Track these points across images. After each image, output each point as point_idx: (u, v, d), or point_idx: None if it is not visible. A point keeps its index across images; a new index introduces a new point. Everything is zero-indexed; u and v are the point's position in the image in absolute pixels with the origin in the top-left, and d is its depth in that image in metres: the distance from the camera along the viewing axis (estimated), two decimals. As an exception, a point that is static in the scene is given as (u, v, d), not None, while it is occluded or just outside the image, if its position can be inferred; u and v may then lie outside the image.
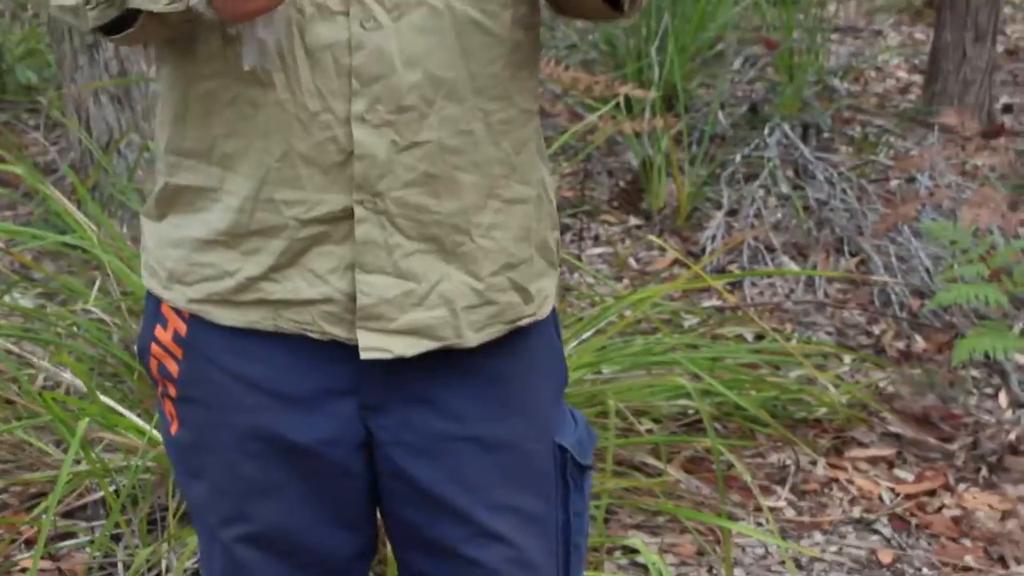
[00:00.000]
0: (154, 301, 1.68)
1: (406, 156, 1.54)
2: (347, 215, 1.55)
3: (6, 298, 3.55)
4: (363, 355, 1.57)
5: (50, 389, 3.20)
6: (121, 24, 1.47)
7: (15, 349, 3.30)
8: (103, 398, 2.95)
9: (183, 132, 1.60)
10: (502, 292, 1.63)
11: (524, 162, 1.63)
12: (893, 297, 4.19)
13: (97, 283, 3.42)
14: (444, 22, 1.52)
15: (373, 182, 1.54)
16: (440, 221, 1.57)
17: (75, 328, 3.37)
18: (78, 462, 2.81)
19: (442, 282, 1.59)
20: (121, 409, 2.95)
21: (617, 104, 4.76)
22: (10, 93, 5.84)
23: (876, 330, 4.10)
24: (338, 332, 1.58)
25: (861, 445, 3.50)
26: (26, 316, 3.46)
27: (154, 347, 1.68)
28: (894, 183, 5.01)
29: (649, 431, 3.29)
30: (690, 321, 3.98)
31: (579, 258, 4.40)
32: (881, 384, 3.77)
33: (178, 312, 1.65)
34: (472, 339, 1.61)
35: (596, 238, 4.69)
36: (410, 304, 1.58)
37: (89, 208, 3.54)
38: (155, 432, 2.78)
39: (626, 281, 4.32)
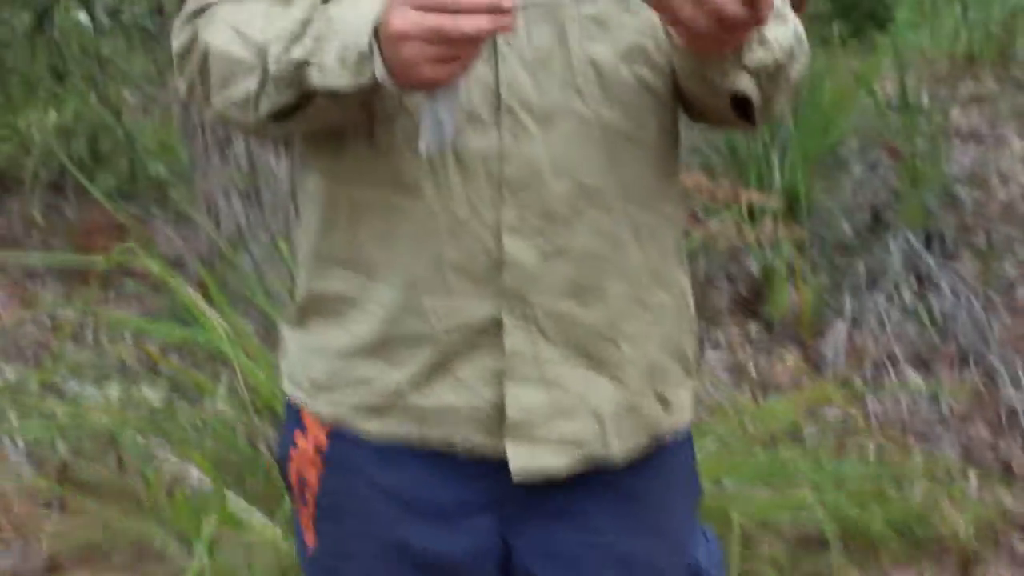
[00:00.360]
0: (295, 410, 1.68)
1: (555, 264, 1.54)
2: (495, 324, 1.55)
3: (134, 391, 3.59)
4: (515, 477, 1.57)
5: (176, 484, 3.23)
6: (289, 111, 1.49)
7: (143, 442, 3.34)
8: (229, 493, 2.97)
9: (329, 239, 1.61)
10: (647, 401, 1.62)
11: (668, 269, 1.64)
12: (1021, 413, 4.11)
13: (224, 379, 3.46)
14: (593, 131, 1.53)
15: (522, 291, 1.54)
16: (588, 330, 1.56)
17: (202, 424, 3.40)
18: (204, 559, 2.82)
19: (589, 391, 1.58)
20: (247, 508, 2.97)
21: (739, 209, 4.75)
22: (140, 186, 5.96)
23: (1004, 447, 4.02)
24: (484, 441, 1.57)
25: (990, 568, 3.42)
26: (153, 410, 3.50)
27: (295, 456, 1.68)
28: (1022, 294, 4.93)
29: (773, 550, 3.24)
30: (811, 430, 3.92)
31: (699, 365, 4.37)
32: (1009, 505, 3.69)
33: (320, 422, 1.65)
34: (618, 449, 1.60)
35: (716, 344, 4.65)
36: (558, 414, 1.57)
37: (217, 303, 3.58)
38: (280, 533, 2.79)
39: (747, 389, 4.28)
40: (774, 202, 4.90)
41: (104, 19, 6.88)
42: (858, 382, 4.35)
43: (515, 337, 1.55)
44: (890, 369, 4.39)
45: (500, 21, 1.32)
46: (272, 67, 1.45)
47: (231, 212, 4.45)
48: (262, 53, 1.46)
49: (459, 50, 1.34)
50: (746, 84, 1.50)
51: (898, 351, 4.46)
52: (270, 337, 3.22)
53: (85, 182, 4.65)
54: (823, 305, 4.80)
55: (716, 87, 1.51)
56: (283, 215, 4.22)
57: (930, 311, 4.69)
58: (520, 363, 1.55)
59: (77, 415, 3.36)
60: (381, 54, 1.37)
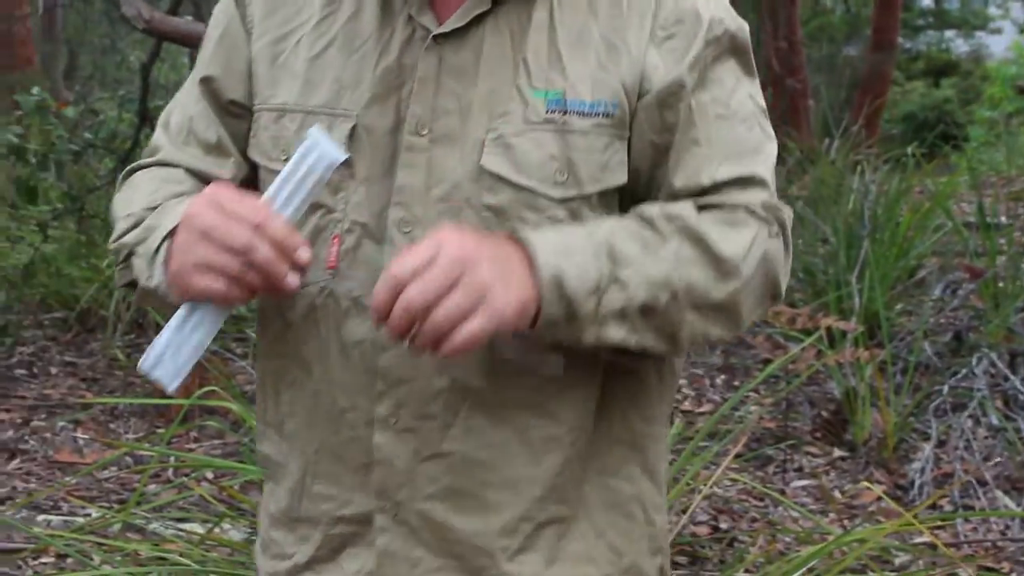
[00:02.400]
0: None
1: (429, 466, 1.44)
2: (369, 521, 1.48)
3: (216, 530, 3.59)
4: None
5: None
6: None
7: (224, 582, 3.33)
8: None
9: (264, 403, 1.59)
10: None
11: (569, 483, 1.48)
12: (1117, 536, 4.00)
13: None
14: None
15: (393, 490, 1.46)
16: (464, 539, 1.46)
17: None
18: None
19: None
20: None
21: (819, 334, 4.71)
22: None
23: (1101, 571, 3.91)
24: None
25: None
26: (234, 549, 3.49)
27: None
28: (1110, 414, 4.83)
29: None
30: (901, 558, 3.84)
31: (783, 492, 4.31)
32: (1109, 631, 3.58)
33: None
34: None
35: (799, 470, 4.59)
36: None
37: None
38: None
39: (832, 515, 4.21)
40: (854, 326, 4.86)
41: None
42: (946, 504, 4.26)
43: (388, 538, 1.47)
44: (979, 491, 4.30)
45: (283, 273, 1.32)
46: (111, 245, 1.49)
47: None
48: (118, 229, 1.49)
49: (238, 271, 1.31)
50: (614, 334, 1.38)
51: (987, 474, 4.37)
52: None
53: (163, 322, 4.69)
54: (908, 428, 4.74)
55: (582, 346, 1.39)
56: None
57: (1018, 432, 4.60)
58: (393, 566, 1.47)
59: (159, 554, 3.36)
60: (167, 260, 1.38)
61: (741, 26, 1.50)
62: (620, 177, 1.44)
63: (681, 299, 1.39)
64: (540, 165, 1.41)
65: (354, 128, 1.46)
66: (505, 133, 1.42)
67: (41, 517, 4.03)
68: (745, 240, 1.42)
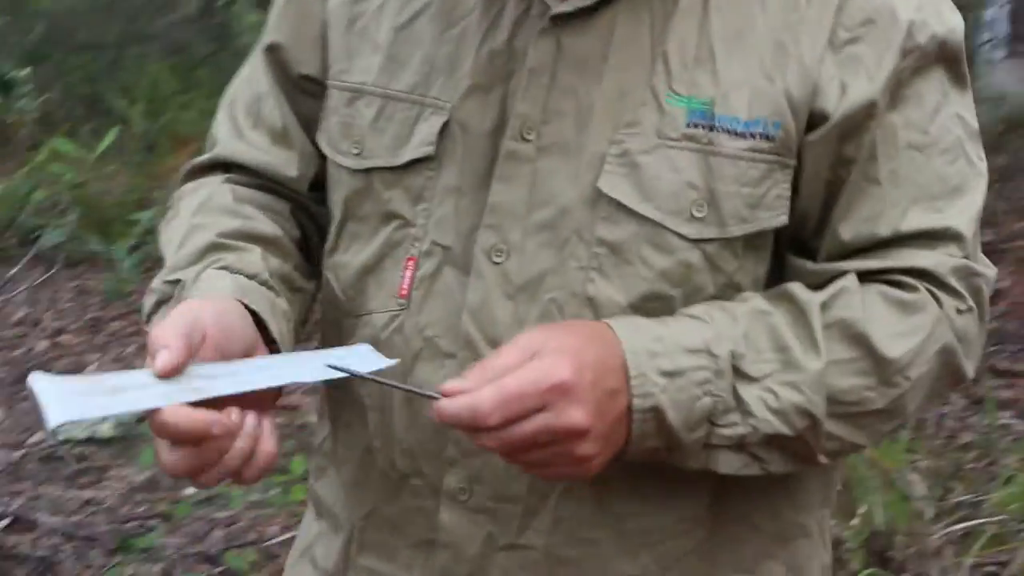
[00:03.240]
0: None
1: (503, 558, 1.21)
2: None
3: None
4: None
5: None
6: None
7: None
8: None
9: (325, 431, 1.37)
10: None
11: None
12: None
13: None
14: None
15: None
16: None
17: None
18: None
19: None
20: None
21: None
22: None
23: None
24: None
25: None
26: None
27: None
28: None
29: None
30: None
31: None
32: None
33: None
34: None
35: None
36: None
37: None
38: None
39: None
40: None
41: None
42: None
43: None
44: None
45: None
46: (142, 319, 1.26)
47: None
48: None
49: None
50: (726, 464, 1.14)
51: None
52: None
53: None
54: None
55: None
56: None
57: None
58: None
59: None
60: None
61: (952, 27, 1.20)
62: (778, 218, 1.17)
63: (822, 418, 1.13)
64: (673, 194, 1.14)
65: (447, 124, 1.20)
66: (632, 148, 1.15)
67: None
68: (919, 334, 1.15)
